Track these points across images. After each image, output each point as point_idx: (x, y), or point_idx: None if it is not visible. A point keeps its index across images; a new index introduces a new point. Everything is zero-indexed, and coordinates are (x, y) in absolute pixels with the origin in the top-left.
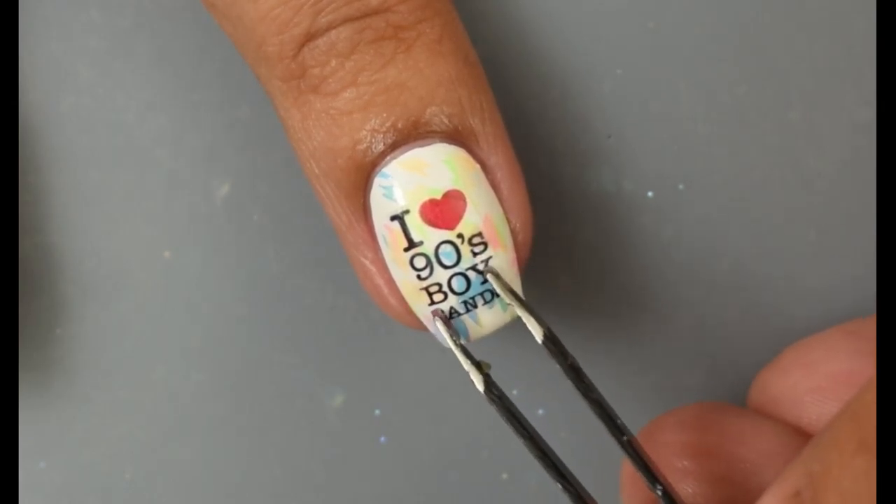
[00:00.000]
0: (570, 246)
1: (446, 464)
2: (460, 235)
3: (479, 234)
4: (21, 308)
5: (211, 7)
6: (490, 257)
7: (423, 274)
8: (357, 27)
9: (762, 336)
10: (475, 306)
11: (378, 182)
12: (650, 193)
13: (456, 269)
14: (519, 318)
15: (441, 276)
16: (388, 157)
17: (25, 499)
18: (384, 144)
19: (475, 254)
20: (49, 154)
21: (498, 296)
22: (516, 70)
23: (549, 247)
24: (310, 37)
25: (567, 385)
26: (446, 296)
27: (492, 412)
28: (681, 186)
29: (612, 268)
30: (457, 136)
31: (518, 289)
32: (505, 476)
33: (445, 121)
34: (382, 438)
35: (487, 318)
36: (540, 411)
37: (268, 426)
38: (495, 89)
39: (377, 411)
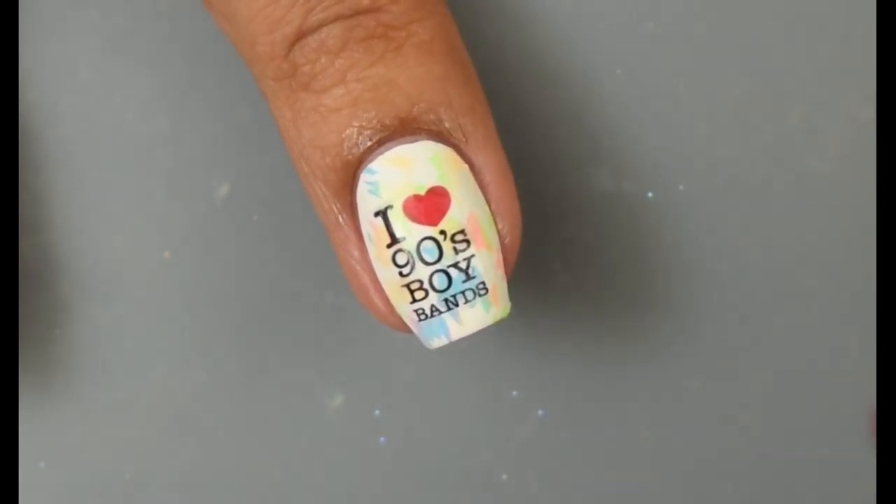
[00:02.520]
0: (570, 246)
1: (446, 464)
2: (443, 232)
3: (462, 232)
4: (21, 308)
5: (208, 5)
6: (472, 255)
7: (405, 271)
8: (347, 25)
9: (763, 336)
10: (456, 304)
11: (364, 178)
12: (650, 194)
13: (437, 266)
14: (504, 320)
15: (422, 272)
16: (375, 154)
17: (25, 499)
18: (371, 140)
19: (457, 251)
20: (49, 154)
21: (480, 295)
22: (516, 70)
23: (549, 247)
24: (301, 35)
25: (567, 385)
26: (427, 293)
27: (492, 412)
28: (681, 187)
29: (612, 268)
30: (445, 135)
31: (503, 290)
32: (505, 476)
33: (433, 118)
34: (382, 439)
35: (469, 317)
36: (540, 411)
37: (268, 426)
38: (495, 89)
39: (377, 411)
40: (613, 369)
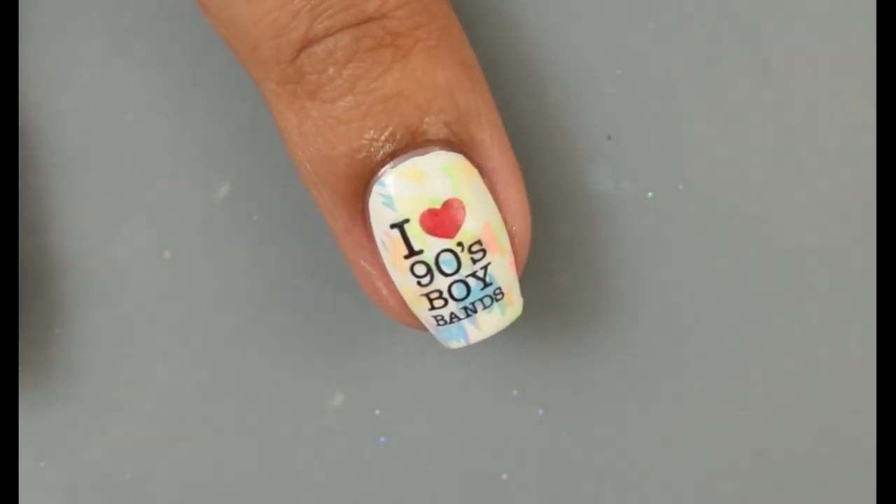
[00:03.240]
0: (570, 246)
1: (446, 464)
2: (460, 244)
3: (479, 242)
4: (21, 308)
5: (204, 8)
6: (489, 263)
7: (424, 281)
8: (355, 34)
9: (762, 336)
10: (475, 311)
11: (377, 190)
12: (650, 194)
13: (456, 277)
14: (518, 319)
15: (441, 283)
16: (387, 166)
17: (25, 499)
18: (383, 153)
19: (475, 261)
20: (49, 154)
21: (497, 300)
22: (516, 71)
23: (549, 247)
24: (307, 42)
25: (566, 385)
26: (447, 302)
27: (492, 412)
28: (681, 186)
29: (612, 268)
30: (455, 143)
31: (517, 290)
32: (505, 476)
33: (443, 129)
34: (382, 438)
35: (487, 323)
36: (540, 411)
37: (268, 426)
38: (495, 90)
39: (377, 411)
40: (613, 369)
